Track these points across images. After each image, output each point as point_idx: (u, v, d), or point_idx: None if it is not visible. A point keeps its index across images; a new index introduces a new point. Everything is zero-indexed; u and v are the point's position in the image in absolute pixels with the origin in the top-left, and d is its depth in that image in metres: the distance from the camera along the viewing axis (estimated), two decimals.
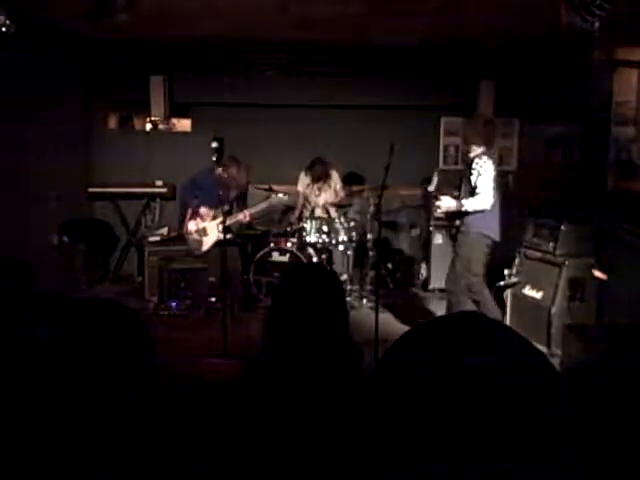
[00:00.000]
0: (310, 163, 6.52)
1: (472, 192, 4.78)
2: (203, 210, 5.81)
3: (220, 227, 5.71)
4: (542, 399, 0.66)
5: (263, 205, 5.92)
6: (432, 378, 0.67)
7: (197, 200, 5.80)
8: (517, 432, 0.64)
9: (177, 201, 7.21)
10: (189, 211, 5.93)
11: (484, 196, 4.71)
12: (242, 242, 6.38)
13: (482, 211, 4.75)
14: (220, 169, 5.76)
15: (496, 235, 4.90)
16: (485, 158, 4.77)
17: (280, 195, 5.97)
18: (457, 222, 5.02)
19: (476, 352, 0.68)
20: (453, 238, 5.16)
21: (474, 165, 4.79)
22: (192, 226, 5.88)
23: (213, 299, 5.98)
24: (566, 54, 5.82)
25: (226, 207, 5.74)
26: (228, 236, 5.70)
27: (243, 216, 5.83)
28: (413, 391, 0.67)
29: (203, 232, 5.84)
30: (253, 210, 5.90)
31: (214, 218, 5.78)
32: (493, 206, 4.77)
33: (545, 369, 0.69)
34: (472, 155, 4.88)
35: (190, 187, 5.93)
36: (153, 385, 1.27)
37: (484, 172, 4.72)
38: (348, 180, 6.97)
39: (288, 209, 7.02)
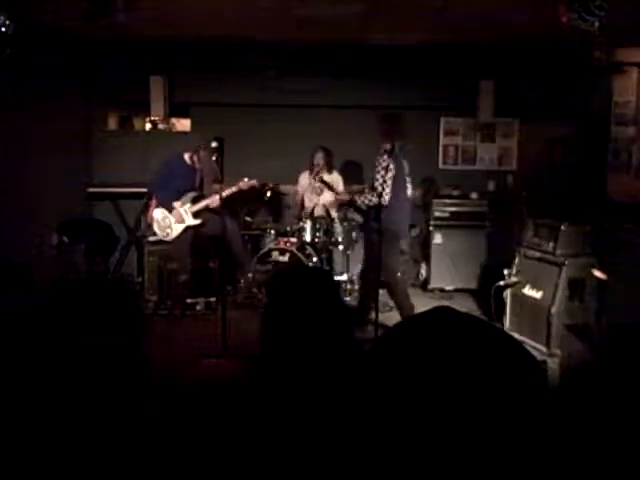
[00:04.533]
0: (313, 150, 6.52)
1: (373, 188, 5.14)
2: (176, 203, 5.87)
3: (189, 213, 5.84)
4: (522, 385, 0.67)
5: (232, 189, 5.89)
6: (414, 374, 0.68)
7: (165, 192, 5.84)
8: (499, 420, 0.65)
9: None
10: (153, 201, 6.00)
11: (379, 192, 5.03)
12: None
13: (379, 206, 5.05)
14: (192, 156, 5.83)
15: (401, 230, 5.29)
16: (385, 157, 5.06)
17: (246, 179, 5.96)
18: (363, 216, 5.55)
19: (451, 345, 0.69)
20: (362, 229, 5.58)
21: (375, 162, 5.12)
22: (158, 214, 5.92)
23: (189, 300, 6.03)
24: (566, 54, 5.82)
25: (193, 193, 5.81)
26: (198, 221, 5.86)
27: (211, 201, 5.83)
28: (397, 386, 0.69)
29: (172, 219, 5.88)
30: (223, 193, 5.71)
31: (183, 205, 5.87)
32: (397, 202, 5.10)
33: (520, 355, 0.70)
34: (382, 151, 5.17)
35: (163, 177, 5.93)
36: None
37: (382, 170, 5.04)
38: (348, 180, 6.96)
39: (286, 208, 7.03)
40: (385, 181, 5.04)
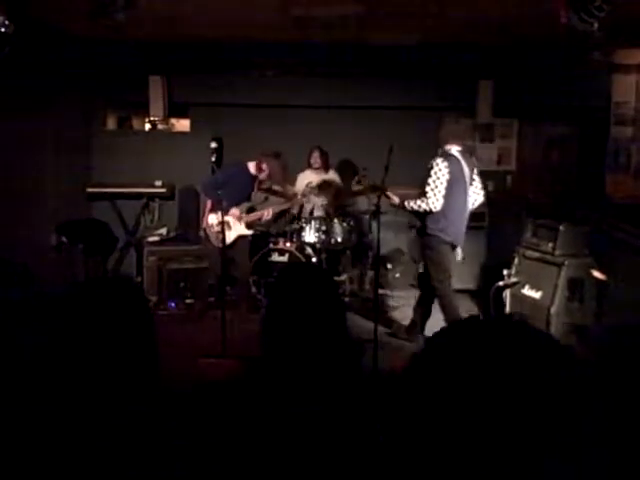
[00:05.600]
0: (310, 150, 6.66)
1: (424, 193, 4.79)
2: (233, 210, 5.75)
3: (243, 223, 5.79)
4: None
5: (286, 205, 6.01)
6: (467, 376, 0.68)
7: (221, 196, 5.72)
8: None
9: (179, 201, 7.22)
10: (208, 203, 5.88)
11: (429, 198, 4.73)
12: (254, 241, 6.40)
13: (431, 212, 4.77)
14: (258, 164, 5.72)
15: (452, 238, 4.88)
16: (439, 160, 4.76)
17: (299, 197, 6.12)
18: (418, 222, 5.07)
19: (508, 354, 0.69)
20: (419, 235, 5.13)
21: (429, 166, 4.82)
22: (213, 219, 5.76)
23: (212, 299, 6.00)
24: (565, 54, 5.83)
25: (248, 203, 5.79)
26: (250, 232, 5.78)
27: (266, 213, 5.86)
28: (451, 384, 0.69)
29: (226, 225, 5.74)
30: (277, 209, 5.95)
31: (239, 214, 5.80)
32: (449, 209, 4.77)
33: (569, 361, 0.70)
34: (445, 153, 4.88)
35: (216, 182, 5.61)
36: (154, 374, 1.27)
37: (434, 174, 4.74)
38: (347, 180, 6.98)
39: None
40: (437, 186, 4.70)
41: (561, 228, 5.19)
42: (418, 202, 4.79)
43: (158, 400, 1.37)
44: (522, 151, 7.38)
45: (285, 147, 6.90)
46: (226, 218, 5.70)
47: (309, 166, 6.72)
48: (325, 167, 6.70)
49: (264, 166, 5.74)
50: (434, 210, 4.74)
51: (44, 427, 1.21)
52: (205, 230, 5.91)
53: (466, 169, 4.90)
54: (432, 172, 4.74)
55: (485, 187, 7.29)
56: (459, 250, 5.02)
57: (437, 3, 4.79)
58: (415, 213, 4.94)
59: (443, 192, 4.72)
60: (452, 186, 4.76)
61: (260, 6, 4.95)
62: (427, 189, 4.73)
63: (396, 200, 4.97)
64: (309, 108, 7.14)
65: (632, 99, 5.31)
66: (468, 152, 5.02)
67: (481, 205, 6.96)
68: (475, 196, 5.07)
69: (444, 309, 4.94)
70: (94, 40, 6.20)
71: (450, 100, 7.13)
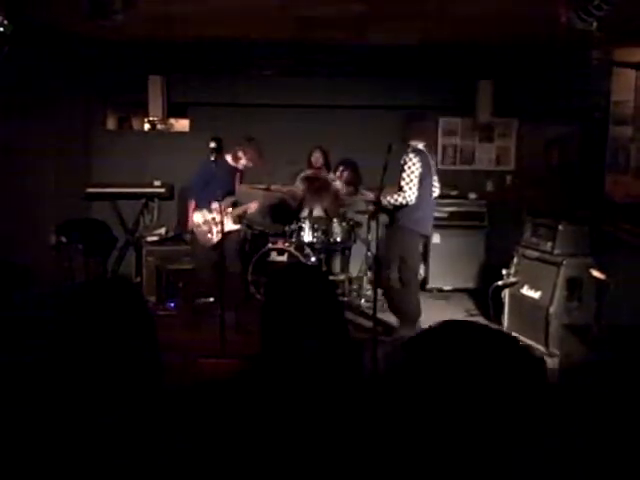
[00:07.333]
0: (311, 150, 6.67)
1: (399, 187, 5.01)
2: (214, 205, 5.50)
3: (230, 219, 5.67)
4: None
5: (276, 196, 5.90)
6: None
7: (205, 194, 5.55)
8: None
9: (178, 201, 7.21)
10: (192, 203, 5.79)
11: (405, 192, 4.95)
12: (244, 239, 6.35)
13: (406, 206, 4.99)
14: (235, 154, 5.61)
15: (425, 230, 5.19)
16: (412, 155, 4.99)
17: (294, 187, 5.97)
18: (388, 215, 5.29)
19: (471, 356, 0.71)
20: (387, 228, 5.39)
21: (402, 161, 5.01)
22: (198, 218, 5.68)
23: (211, 299, 5.98)
24: (565, 54, 5.82)
25: (233, 197, 5.71)
26: (237, 227, 5.72)
27: (252, 206, 5.76)
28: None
29: (212, 223, 5.62)
30: (262, 201, 5.84)
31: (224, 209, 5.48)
32: (421, 201, 5.00)
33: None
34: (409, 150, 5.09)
35: (202, 181, 5.60)
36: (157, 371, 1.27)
37: (407, 168, 4.96)
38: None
39: (287, 208, 7.04)
40: (411, 180, 4.95)
41: (560, 227, 5.19)
42: (395, 197, 4.99)
43: (159, 400, 1.37)
44: (521, 151, 7.38)
45: (285, 147, 6.92)
46: (211, 215, 5.63)
47: (309, 166, 6.71)
48: (326, 167, 6.69)
49: (240, 154, 5.62)
50: (410, 203, 4.97)
51: (44, 428, 1.21)
52: (192, 231, 5.81)
53: (432, 163, 5.19)
54: (406, 167, 4.97)
55: (484, 187, 7.38)
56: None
57: (437, 3, 4.79)
58: (384, 209, 5.13)
59: (417, 185, 4.97)
60: (423, 179, 5.02)
61: (260, 6, 4.95)
62: (402, 183, 4.97)
63: (370, 196, 5.20)
64: (309, 108, 7.13)
65: (631, 98, 5.31)
66: (429, 147, 5.34)
67: (481, 205, 7.05)
68: (433, 189, 5.31)
69: (402, 299, 5.19)
70: (94, 40, 6.20)
71: (449, 100, 7.13)
